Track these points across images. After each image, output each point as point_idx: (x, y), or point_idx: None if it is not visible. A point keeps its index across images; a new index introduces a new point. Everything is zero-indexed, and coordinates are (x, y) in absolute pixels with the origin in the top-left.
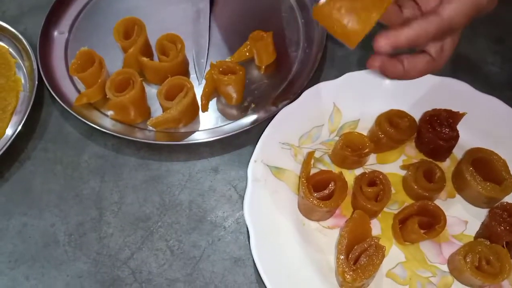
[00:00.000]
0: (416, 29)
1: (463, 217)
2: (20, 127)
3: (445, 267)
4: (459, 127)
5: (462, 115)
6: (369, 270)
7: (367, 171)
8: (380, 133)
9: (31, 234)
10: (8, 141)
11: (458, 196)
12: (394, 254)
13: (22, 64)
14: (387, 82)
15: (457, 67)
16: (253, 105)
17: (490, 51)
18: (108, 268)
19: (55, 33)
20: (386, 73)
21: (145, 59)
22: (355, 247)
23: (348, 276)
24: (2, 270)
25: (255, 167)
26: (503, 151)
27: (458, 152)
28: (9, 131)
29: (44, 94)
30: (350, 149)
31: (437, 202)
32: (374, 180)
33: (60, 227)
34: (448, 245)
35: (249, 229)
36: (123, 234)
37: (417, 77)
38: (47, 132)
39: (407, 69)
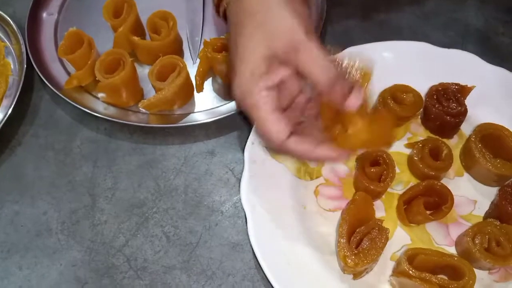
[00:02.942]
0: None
1: (471, 196)
2: (9, 112)
3: (453, 249)
4: (467, 101)
5: (471, 88)
6: (371, 254)
7: (369, 150)
8: (383, 109)
9: (23, 223)
10: None
11: (466, 175)
12: (399, 236)
13: (11, 48)
14: (390, 56)
15: (466, 38)
16: None
17: (501, 21)
18: (103, 256)
19: (44, 15)
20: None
21: (135, 38)
22: (357, 230)
23: (349, 261)
24: None
25: (253, 149)
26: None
27: (466, 128)
28: None
29: (34, 78)
30: None
31: (444, 181)
32: (377, 160)
33: (52, 215)
34: (456, 226)
35: (246, 213)
36: (117, 221)
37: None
38: (37, 117)
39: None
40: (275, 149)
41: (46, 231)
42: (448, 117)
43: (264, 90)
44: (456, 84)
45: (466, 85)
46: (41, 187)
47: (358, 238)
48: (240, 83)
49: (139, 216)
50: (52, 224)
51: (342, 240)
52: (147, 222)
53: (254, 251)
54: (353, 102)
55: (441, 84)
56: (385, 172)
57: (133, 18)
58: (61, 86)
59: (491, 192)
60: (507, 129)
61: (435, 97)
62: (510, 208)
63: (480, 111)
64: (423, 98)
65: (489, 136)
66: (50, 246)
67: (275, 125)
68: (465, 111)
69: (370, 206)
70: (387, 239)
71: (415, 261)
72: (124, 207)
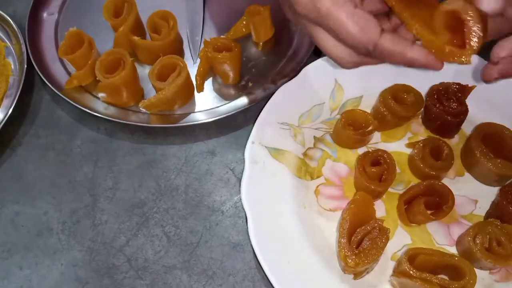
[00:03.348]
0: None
1: (472, 196)
2: (10, 113)
3: (453, 249)
4: (468, 101)
5: (471, 88)
6: (372, 254)
7: (370, 150)
8: (384, 109)
9: (23, 223)
10: None
11: (467, 174)
12: (400, 236)
13: (11, 48)
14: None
15: None
16: (250, 84)
17: None
18: (103, 256)
19: (44, 15)
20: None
21: (136, 38)
22: (358, 230)
23: (350, 261)
24: None
25: (253, 149)
26: None
27: (467, 127)
28: None
29: (34, 78)
30: (352, 127)
31: (445, 181)
32: (377, 160)
33: (53, 215)
34: (457, 226)
35: (246, 213)
36: (117, 221)
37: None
38: (38, 117)
39: None
40: (363, 53)
41: (47, 231)
42: (448, 117)
43: None
44: (457, 84)
45: (467, 85)
46: (41, 187)
47: (359, 238)
48: None
49: (140, 216)
50: (53, 224)
51: (342, 240)
52: (147, 222)
53: (255, 251)
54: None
55: (441, 84)
56: (385, 172)
57: (133, 18)
58: (61, 86)
59: (492, 192)
60: (508, 129)
61: (435, 97)
62: (511, 208)
63: (481, 111)
64: (424, 98)
65: (490, 135)
66: (51, 246)
67: (363, 24)
68: (466, 110)
69: (371, 206)
70: (387, 239)
71: (416, 261)
72: (125, 207)
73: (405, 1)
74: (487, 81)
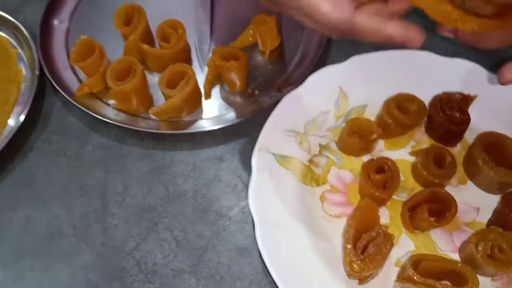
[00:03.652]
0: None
1: (475, 204)
2: (22, 119)
3: (456, 256)
4: (471, 110)
5: (473, 97)
6: (377, 259)
7: (375, 158)
8: (388, 118)
9: (35, 226)
10: (11, 133)
11: (469, 182)
12: (404, 242)
13: (23, 55)
14: (396, 65)
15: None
16: (257, 92)
17: None
18: (113, 260)
19: (55, 22)
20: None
21: (145, 46)
22: (363, 236)
23: (355, 266)
24: (7, 262)
25: (260, 156)
26: None
27: (469, 136)
28: (11, 123)
29: (45, 85)
30: (357, 135)
31: (448, 188)
32: (382, 167)
33: (64, 219)
34: (460, 233)
35: (254, 218)
36: (127, 225)
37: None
38: (49, 123)
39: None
40: (340, 33)
41: (58, 234)
42: (451, 126)
43: None
44: (460, 93)
45: (469, 94)
46: (53, 192)
47: (364, 244)
48: None
49: (149, 221)
50: (64, 228)
51: (348, 245)
52: (156, 227)
53: (262, 255)
54: None
55: (444, 93)
56: (390, 179)
57: (143, 27)
58: (72, 93)
59: (494, 200)
60: (509, 138)
61: (438, 106)
62: None
63: (483, 120)
64: (427, 107)
65: (491, 144)
66: (62, 250)
67: (336, 2)
68: (468, 119)
69: (375, 212)
70: (392, 245)
71: (420, 267)
72: (134, 211)
73: None
74: (504, 83)
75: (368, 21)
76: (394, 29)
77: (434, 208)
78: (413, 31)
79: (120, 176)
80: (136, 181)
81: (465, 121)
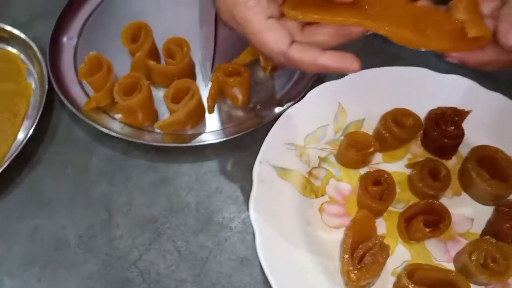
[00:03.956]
0: (489, 56)
1: (469, 215)
2: (31, 132)
3: (451, 266)
4: (465, 124)
5: (467, 112)
6: (373, 269)
7: (372, 171)
8: (385, 132)
9: (42, 237)
10: (20, 145)
11: (464, 194)
12: (400, 253)
13: (32, 70)
14: (392, 81)
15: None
16: (258, 106)
17: None
18: (118, 269)
19: (64, 39)
20: (465, 61)
21: (152, 62)
22: (360, 246)
23: (352, 275)
24: (15, 272)
25: (261, 168)
26: (509, 147)
27: (464, 150)
28: (20, 136)
29: (54, 99)
30: (354, 148)
31: (443, 200)
32: (378, 179)
33: (70, 230)
34: (454, 243)
35: (254, 229)
36: (131, 235)
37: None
38: (57, 136)
39: (490, 60)
40: (278, 63)
41: (64, 245)
42: (446, 140)
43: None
44: (454, 109)
45: (463, 109)
46: (60, 203)
47: (361, 254)
48: (224, 0)
49: (153, 232)
50: (70, 238)
51: (345, 255)
52: (160, 237)
53: (262, 265)
54: None
55: (439, 108)
56: (386, 191)
57: (150, 44)
58: (80, 107)
59: (488, 211)
60: (501, 151)
61: (433, 121)
62: (505, 227)
63: (477, 134)
64: (422, 121)
65: (484, 158)
66: (68, 260)
67: (273, 34)
68: (462, 134)
69: (372, 223)
70: (388, 255)
71: (415, 276)
72: (139, 222)
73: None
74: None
75: (301, 54)
76: (328, 60)
77: (429, 219)
78: (348, 60)
79: (124, 187)
80: (140, 193)
81: (459, 135)
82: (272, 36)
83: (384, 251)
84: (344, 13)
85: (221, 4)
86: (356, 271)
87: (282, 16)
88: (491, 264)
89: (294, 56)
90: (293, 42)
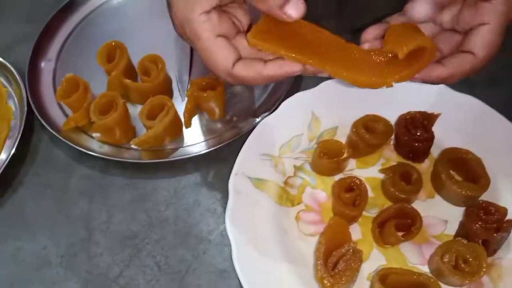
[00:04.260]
0: (450, 68)
1: (443, 216)
2: (11, 154)
3: (426, 268)
4: (436, 127)
5: (436, 116)
6: (347, 275)
7: (344, 177)
8: (356, 138)
9: (24, 257)
10: (1, 167)
11: (437, 196)
12: (375, 257)
13: (12, 93)
14: (363, 88)
15: None
16: (235, 118)
17: None
18: (98, 287)
19: (43, 62)
20: (428, 80)
21: (127, 80)
22: (333, 253)
23: (326, 282)
24: None
25: (236, 180)
26: (480, 148)
27: (437, 152)
28: (1, 158)
29: (34, 121)
30: (327, 156)
31: (417, 203)
32: (351, 186)
33: (52, 249)
34: (429, 246)
35: (231, 241)
36: (111, 252)
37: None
38: (38, 157)
39: (451, 73)
40: (225, 81)
41: (46, 264)
42: (416, 144)
43: (202, 15)
44: (423, 113)
45: (433, 113)
46: (41, 223)
47: (335, 260)
48: (176, 13)
49: (132, 248)
50: (52, 258)
51: (319, 262)
52: (139, 253)
53: (239, 277)
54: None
55: (409, 113)
56: (358, 197)
57: (125, 62)
58: (59, 128)
59: (461, 212)
60: (471, 153)
61: (404, 125)
62: (475, 227)
63: (450, 136)
64: (393, 127)
65: (455, 160)
66: (50, 279)
67: (219, 52)
68: (432, 137)
69: (346, 229)
70: (361, 260)
71: (387, 281)
72: (118, 239)
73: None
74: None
75: (245, 71)
76: (271, 70)
77: (402, 223)
78: (289, 64)
79: (104, 205)
80: (119, 210)
81: (429, 138)
82: (219, 54)
83: (357, 256)
84: (305, 53)
85: (174, 18)
86: (329, 278)
87: (237, 33)
88: (463, 265)
89: (238, 73)
90: (239, 59)
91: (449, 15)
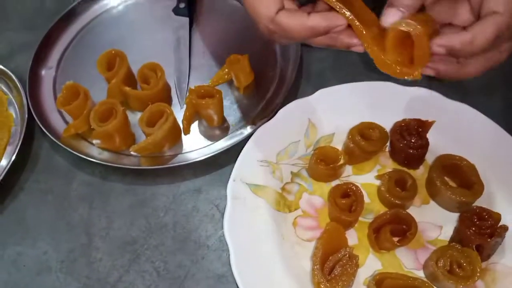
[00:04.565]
0: (472, 32)
1: (437, 222)
2: (12, 160)
3: (421, 273)
4: (431, 134)
5: (431, 123)
6: (343, 280)
7: (340, 183)
8: (352, 145)
9: (25, 263)
10: (2, 174)
11: (432, 202)
12: (371, 262)
13: (13, 100)
14: (360, 95)
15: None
16: (233, 125)
17: None
18: None
19: (43, 69)
20: (452, 48)
21: (127, 88)
22: (330, 258)
23: (323, 286)
24: None
25: (234, 186)
26: (474, 155)
27: (432, 159)
28: (2, 165)
29: (34, 128)
30: (324, 162)
31: (412, 209)
32: (347, 192)
33: (52, 255)
34: (424, 251)
35: (229, 246)
36: (111, 258)
37: (474, 76)
38: (38, 164)
39: (474, 35)
40: (268, 32)
41: (46, 270)
42: (411, 150)
43: None
44: (418, 120)
45: (427, 120)
46: (41, 229)
47: (331, 265)
48: None
49: (131, 253)
50: (52, 263)
51: (316, 267)
52: (138, 259)
53: (236, 282)
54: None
55: (404, 120)
56: (355, 202)
57: (125, 70)
58: (59, 135)
59: (455, 218)
60: (465, 159)
61: (399, 132)
62: (468, 233)
63: (443, 143)
64: (388, 134)
65: (449, 166)
66: (50, 284)
67: (263, 1)
68: (427, 144)
69: (342, 235)
70: (357, 265)
71: (383, 285)
72: (118, 244)
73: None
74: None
75: (288, 19)
76: (315, 21)
77: (397, 229)
78: (334, 17)
79: (104, 211)
80: (119, 216)
81: (424, 145)
82: (262, 2)
83: (353, 261)
84: (352, 11)
85: None
86: (326, 283)
87: None
88: (457, 270)
89: (281, 21)
90: (282, 9)
91: None
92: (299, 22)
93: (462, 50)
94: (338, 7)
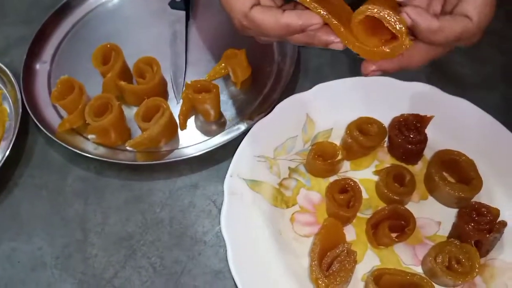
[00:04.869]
0: (441, 23)
1: (436, 218)
2: (6, 155)
3: (419, 269)
4: (430, 129)
5: (430, 118)
6: (341, 275)
7: (338, 179)
8: (350, 140)
9: (19, 259)
10: None
11: (430, 198)
12: (369, 258)
13: (7, 95)
14: (358, 91)
15: (429, 68)
16: (230, 120)
17: (460, 52)
18: None
19: (38, 63)
20: (385, 69)
21: (122, 83)
22: (328, 254)
23: (321, 282)
24: None
25: (231, 181)
26: (472, 150)
27: (430, 154)
28: None
29: (29, 122)
30: (321, 158)
31: (410, 204)
32: (345, 187)
33: (47, 250)
34: (422, 247)
35: (226, 242)
36: (107, 254)
37: (419, 66)
38: (33, 159)
39: (442, 26)
40: (241, 27)
41: (41, 265)
42: (409, 146)
43: None
44: (416, 115)
45: (426, 115)
46: (36, 225)
47: (329, 261)
48: None
49: (127, 249)
50: (47, 259)
51: (313, 263)
52: (134, 254)
53: (234, 278)
54: None
55: (402, 116)
56: (353, 198)
57: (120, 65)
58: (54, 130)
59: (454, 214)
60: (463, 154)
61: (397, 128)
62: (467, 228)
63: (442, 138)
64: (387, 129)
65: (447, 162)
66: (45, 280)
67: None
68: (425, 139)
69: (340, 230)
70: (355, 261)
71: (381, 281)
72: (113, 240)
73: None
74: (365, 74)
75: (262, 14)
76: (290, 17)
77: (396, 224)
78: (307, 16)
79: (99, 207)
80: (114, 211)
81: (422, 140)
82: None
83: (351, 257)
84: (327, 10)
85: None
86: (324, 278)
87: None
88: (456, 266)
89: (255, 16)
90: (257, 4)
91: None
92: (273, 19)
93: (423, 32)
94: (312, 6)
